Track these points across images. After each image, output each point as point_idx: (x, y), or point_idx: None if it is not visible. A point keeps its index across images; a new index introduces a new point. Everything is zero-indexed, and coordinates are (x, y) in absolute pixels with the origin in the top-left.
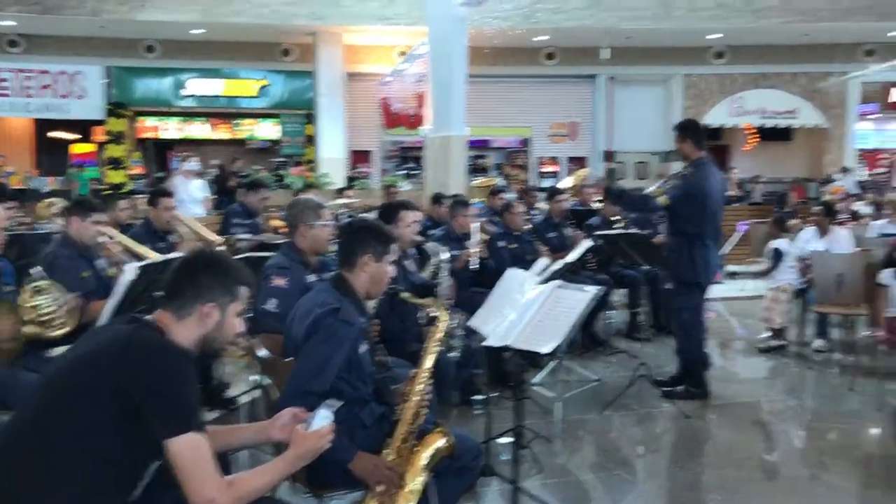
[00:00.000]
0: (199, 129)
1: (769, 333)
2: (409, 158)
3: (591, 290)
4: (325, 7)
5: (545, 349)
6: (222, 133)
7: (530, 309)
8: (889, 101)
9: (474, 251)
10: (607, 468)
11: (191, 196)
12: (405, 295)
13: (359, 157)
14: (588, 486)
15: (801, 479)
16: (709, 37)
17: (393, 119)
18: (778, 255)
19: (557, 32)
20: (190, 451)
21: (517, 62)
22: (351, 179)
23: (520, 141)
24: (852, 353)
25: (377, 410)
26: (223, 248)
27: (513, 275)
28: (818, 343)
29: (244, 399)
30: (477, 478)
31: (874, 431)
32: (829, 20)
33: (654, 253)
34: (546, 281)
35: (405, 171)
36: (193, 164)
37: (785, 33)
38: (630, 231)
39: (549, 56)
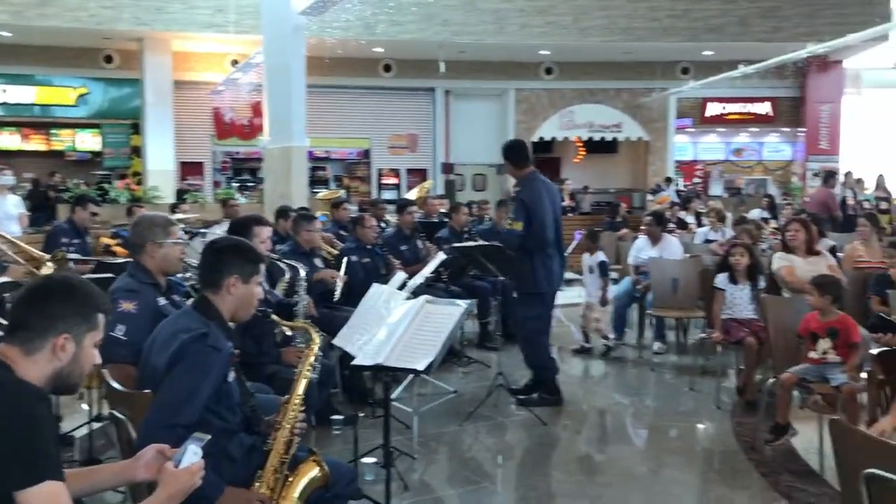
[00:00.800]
0: (10, 140)
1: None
2: (243, 170)
3: (462, 305)
4: (149, 13)
5: (420, 366)
6: (36, 144)
7: (400, 326)
8: (704, 115)
9: (342, 276)
10: (472, 481)
11: (5, 213)
12: (274, 318)
13: (189, 168)
14: (453, 500)
15: (646, 475)
16: (539, 53)
17: (225, 129)
18: (604, 268)
19: (394, 45)
20: (48, 502)
21: (356, 73)
22: (181, 192)
23: (359, 152)
24: (688, 354)
25: (247, 441)
26: (52, 266)
27: (377, 291)
28: (657, 346)
29: (80, 433)
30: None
31: (712, 427)
32: (649, 39)
33: (508, 263)
34: (412, 296)
35: (240, 184)
36: (7, 177)
37: (608, 51)
38: (485, 243)
39: (387, 68)
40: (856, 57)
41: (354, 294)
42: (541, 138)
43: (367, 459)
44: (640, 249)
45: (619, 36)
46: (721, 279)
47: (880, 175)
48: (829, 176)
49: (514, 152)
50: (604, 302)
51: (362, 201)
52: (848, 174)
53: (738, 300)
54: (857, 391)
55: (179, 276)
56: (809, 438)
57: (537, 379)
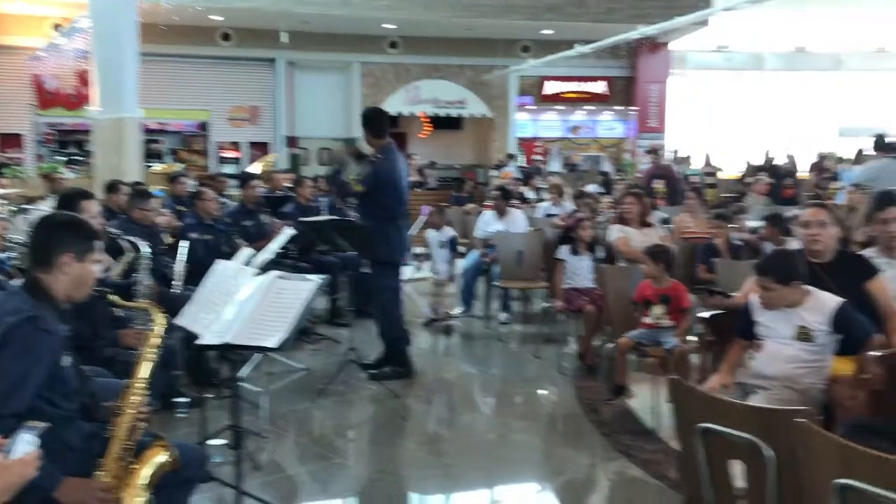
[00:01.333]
0: None
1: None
2: (69, 143)
3: (314, 280)
4: None
5: (270, 343)
6: None
7: (249, 303)
8: (543, 93)
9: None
10: (325, 457)
11: None
12: (114, 298)
13: (7, 141)
14: (305, 477)
15: (494, 441)
16: (384, 26)
17: (48, 99)
18: (453, 243)
19: (232, 13)
20: None
21: (193, 42)
22: None
23: (197, 125)
24: (532, 323)
25: (85, 429)
26: None
27: (223, 268)
28: (503, 316)
29: None
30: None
31: (555, 392)
32: (491, 16)
33: (359, 238)
34: (261, 272)
35: (67, 157)
36: None
37: (452, 27)
38: (337, 217)
39: (226, 37)
40: (681, 40)
41: (195, 273)
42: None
43: (214, 441)
44: (487, 223)
45: (463, 12)
46: (563, 251)
47: (707, 153)
48: (653, 151)
49: (374, 122)
50: (451, 278)
51: (201, 175)
52: (675, 151)
53: (579, 270)
54: (688, 352)
55: (3, 254)
56: (645, 399)
57: (389, 353)
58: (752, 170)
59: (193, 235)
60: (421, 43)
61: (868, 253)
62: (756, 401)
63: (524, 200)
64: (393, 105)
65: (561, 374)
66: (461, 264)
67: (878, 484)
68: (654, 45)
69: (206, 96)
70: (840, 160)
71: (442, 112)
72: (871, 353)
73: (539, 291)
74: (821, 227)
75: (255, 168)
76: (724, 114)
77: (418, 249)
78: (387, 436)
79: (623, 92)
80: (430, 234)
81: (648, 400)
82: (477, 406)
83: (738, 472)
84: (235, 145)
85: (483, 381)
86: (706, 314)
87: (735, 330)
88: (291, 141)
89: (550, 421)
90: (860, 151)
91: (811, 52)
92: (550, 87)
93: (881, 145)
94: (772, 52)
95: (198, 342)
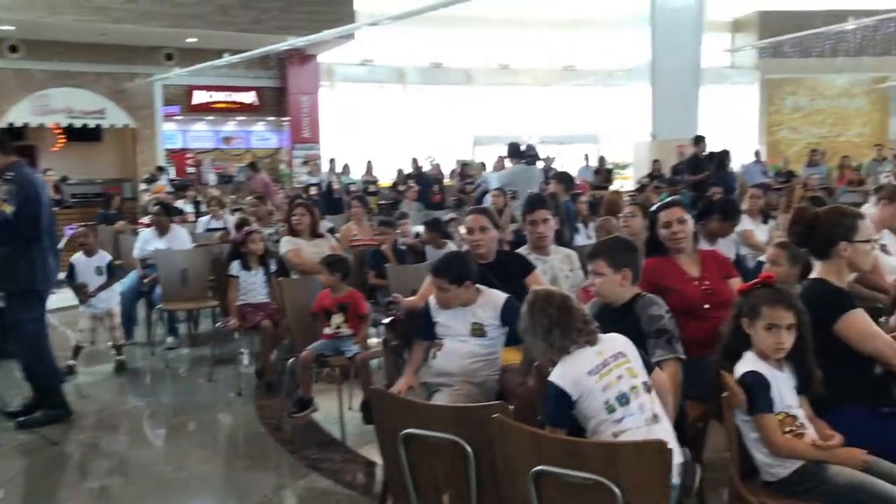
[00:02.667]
0: None
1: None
2: None
3: None
4: None
5: None
6: None
7: None
8: (191, 103)
9: None
10: None
11: None
12: None
13: None
14: None
15: (171, 475)
16: (1, 28)
17: None
18: (111, 268)
19: None
20: None
21: None
22: None
23: None
24: (202, 344)
25: None
26: None
27: None
28: (169, 340)
29: None
30: None
31: (235, 415)
32: (127, 22)
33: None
34: None
35: None
36: None
37: (84, 31)
38: None
39: None
40: (329, 52)
41: None
42: (10, 124)
43: None
44: (147, 241)
45: (94, 16)
46: (235, 266)
47: (369, 161)
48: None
49: None
50: (112, 306)
51: None
52: (332, 161)
53: (253, 286)
54: (369, 358)
55: None
56: (329, 410)
57: (39, 394)
58: (403, 178)
59: None
60: (47, 47)
61: (522, 251)
62: (440, 399)
63: (178, 214)
64: (18, 115)
65: (238, 395)
66: (117, 287)
67: (566, 465)
68: (303, 56)
69: None
70: (483, 166)
71: (78, 122)
72: None
73: (207, 311)
74: (482, 231)
75: None
76: (373, 125)
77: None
78: (46, 491)
79: (274, 103)
80: (79, 258)
81: (333, 410)
82: (149, 441)
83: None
84: None
85: (153, 412)
86: (386, 319)
87: (416, 332)
88: None
89: (232, 445)
90: (500, 158)
91: (447, 68)
92: (199, 97)
93: (514, 152)
94: (412, 66)
95: None
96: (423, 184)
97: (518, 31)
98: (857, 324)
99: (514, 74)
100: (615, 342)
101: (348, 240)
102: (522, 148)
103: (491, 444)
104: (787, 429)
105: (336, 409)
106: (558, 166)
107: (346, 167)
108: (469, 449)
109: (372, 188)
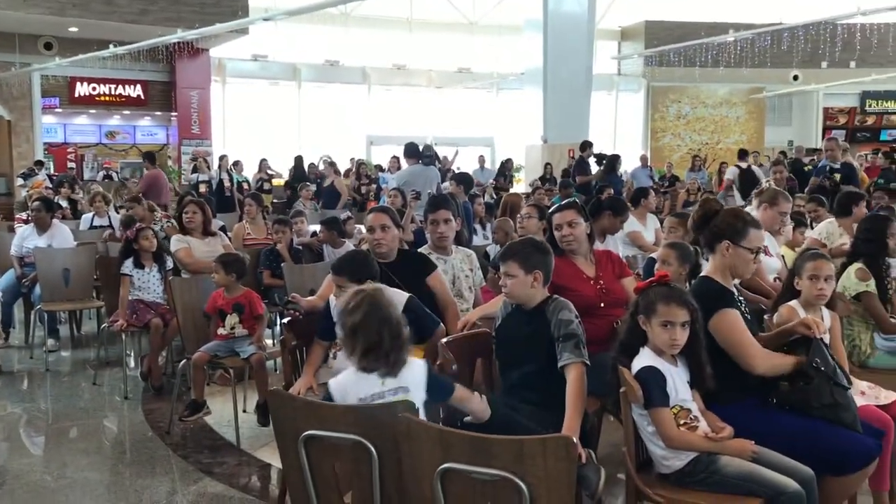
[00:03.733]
0: None
1: None
2: None
3: None
4: None
5: None
6: None
7: None
8: (73, 95)
9: None
10: None
11: None
12: None
13: None
14: None
15: (51, 484)
16: None
17: None
18: None
19: None
20: None
21: None
22: None
23: None
24: (85, 346)
25: None
26: None
27: None
28: (50, 342)
29: None
30: None
31: (121, 419)
32: (4, 7)
33: None
34: None
35: None
36: None
37: None
38: None
39: None
40: (221, 47)
41: None
42: None
43: None
44: (26, 238)
45: None
46: (128, 265)
47: (263, 159)
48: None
49: None
50: None
51: None
52: (223, 157)
53: (146, 283)
54: (265, 359)
55: None
56: (221, 412)
57: None
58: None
59: None
60: None
61: (423, 250)
62: None
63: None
64: None
65: (125, 399)
66: None
67: (474, 462)
68: (193, 50)
69: None
70: (380, 168)
71: None
72: (442, 339)
73: (92, 312)
74: (383, 230)
75: None
76: (267, 122)
77: None
78: None
79: (162, 97)
80: None
81: (226, 413)
82: (27, 450)
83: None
84: None
85: (31, 419)
86: (286, 319)
87: (316, 332)
88: None
89: (118, 451)
90: (395, 158)
91: (342, 66)
92: (81, 89)
93: (411, 152)
94: (307, 63)
95: None
96: (318, 184)
97: (414, 33)
98: (725, 322)
99: (409, 75)
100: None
101: (241, 238)
102: (421, 148)
103: (396, 444)
104: (682, 422)
105: (229, 412)
106: (455, 168)
107: (237, 164)
108: (373, 449)
109: (267, 185)
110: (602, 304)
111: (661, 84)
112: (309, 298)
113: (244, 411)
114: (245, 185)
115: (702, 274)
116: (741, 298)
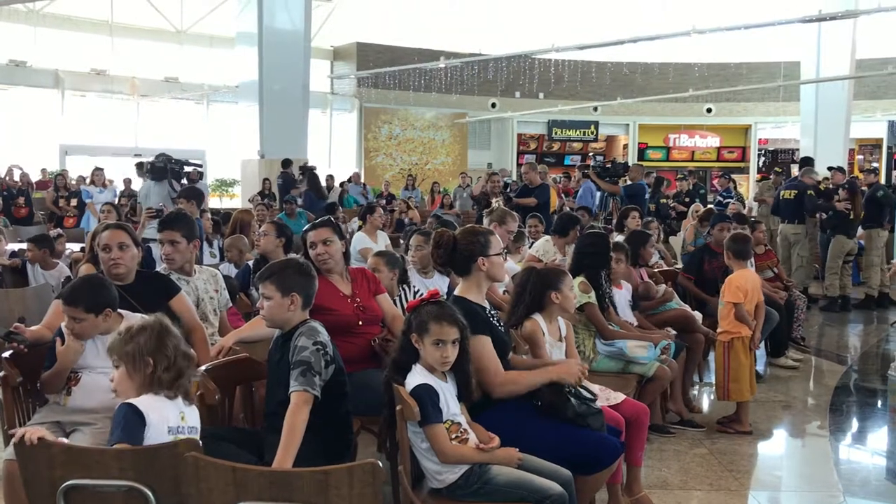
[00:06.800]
0: None
1: None
2: None
3: None
4: None
5: None
6: None
7: None
8: None
9: None
10: None
11: None
12: None
13: None
14: None
15: None
16: None
17: None
18: None
19: None
20: None
21: None
22: None
23: None
24: None
25: None
26: None
27: None
28: None
29: None
30: None
31: None
32: None
33: None
34: None
35: None
36: None
37: None
38: None
39: None
40: None
41: None
42: None
43: None
44: None
45: None
46: None
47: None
48: None
49: None
50: None
51: None
52: None
53: None
54: None
55: None
56: None
57: None
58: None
59: None
60: None
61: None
62: (81, 439)
63: None
64: None
65: None
66: None
67: (273, 498)
68: None
69: None
70: (83, 179)
71: None
72: (200, 368)
73: None
74: (121, 249)
75: None
76: None
77: None
78: None
79: None
80: None
81: None
82: None
83: None
84: None
85: None
86: (6, 353)
87: (44, 366)
88: None
89: None
90: (99, 170)
91: (31, 68)
92: None
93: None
94: None
95: None
96: (6, 196)
97: (116, 37)
98: (475, 348)
99: (109, 81)
100: None
101: None
102: (146, 164)
103: (177, 485)
104: (454, 435)
105: None
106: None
107: None
108: (150, 494)
109: None
110: (360, 323)
111: (373, 105)
112: (32, 329)
113: None
114: None
115: (456, 293)
116: (493, 312)
